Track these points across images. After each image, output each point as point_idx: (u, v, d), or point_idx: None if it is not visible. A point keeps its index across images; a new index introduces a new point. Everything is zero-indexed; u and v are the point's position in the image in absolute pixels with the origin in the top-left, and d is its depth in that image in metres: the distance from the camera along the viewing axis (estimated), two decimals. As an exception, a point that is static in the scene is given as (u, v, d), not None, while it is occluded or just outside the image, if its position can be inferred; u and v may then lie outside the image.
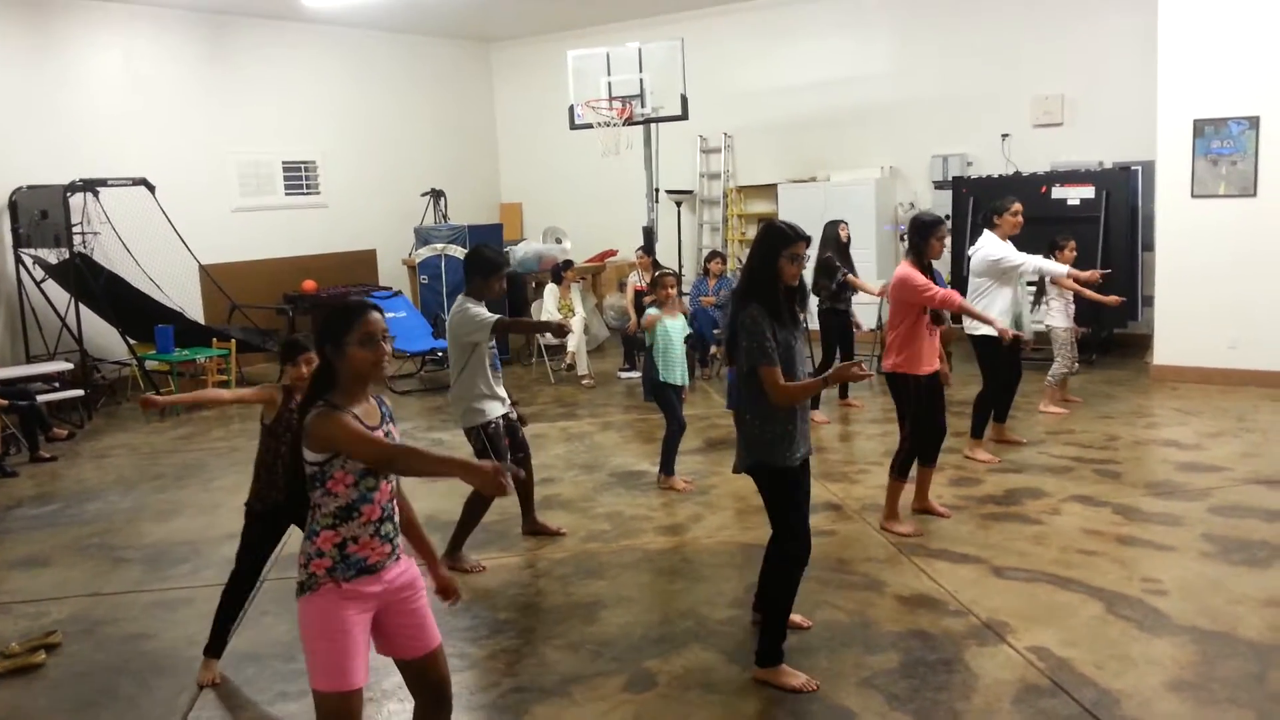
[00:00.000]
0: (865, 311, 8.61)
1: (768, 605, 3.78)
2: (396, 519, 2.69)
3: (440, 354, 10.08)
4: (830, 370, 3.76)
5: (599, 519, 5.70)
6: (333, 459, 2.55)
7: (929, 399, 5.19)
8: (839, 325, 8.02)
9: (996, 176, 10.19)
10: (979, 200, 9.66)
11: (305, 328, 10.64)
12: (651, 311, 6.16)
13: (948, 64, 10.94)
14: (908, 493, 5.35)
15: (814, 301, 8.29)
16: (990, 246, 6.25)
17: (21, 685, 4.03)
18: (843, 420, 7.87)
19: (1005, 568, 4.69)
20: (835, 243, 8.02)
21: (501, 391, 5.06)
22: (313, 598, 2.57)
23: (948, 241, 5.57)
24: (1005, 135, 10.57)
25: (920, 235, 5.20)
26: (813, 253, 4.20)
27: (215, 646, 4.02)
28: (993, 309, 6.09)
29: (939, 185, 10.87)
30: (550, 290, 10.29)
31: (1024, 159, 10.33)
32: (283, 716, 3.69)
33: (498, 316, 4.91)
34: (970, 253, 6.49)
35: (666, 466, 6.25)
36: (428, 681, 2.76)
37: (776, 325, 3.61)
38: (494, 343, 5.00)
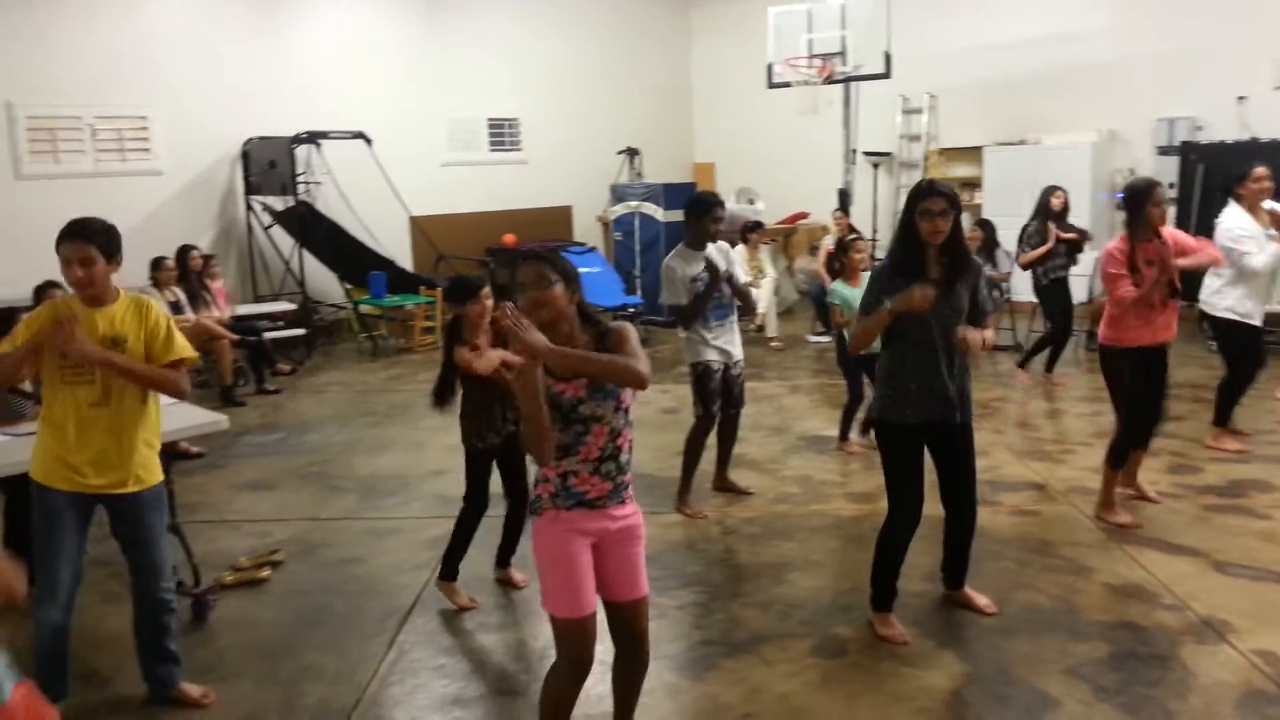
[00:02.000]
0: (1078, 285, 8.15)
1: (874, 556, 3.84)
2: (624, 459, 2.73)
3: (632, 309, 10.24)
4: (894, 301, 3.52)
5: (787, 481, 5.67)
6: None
7: (1146, 375, 4.77)
8: (1058, 294, 7.62)
9: (1231, 142, 9.39)
10: (1210, 169, 8.94)
11: (504, 279, 11.00)
12: (835, 302, 6.01)
13: (1176, 18, 10.10)
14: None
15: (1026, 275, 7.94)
16: (1230, 220, 5.66)
17: (250, 596, 4.38)
18: (1047, 397, 7.51)
19: (1228, 563, 4.37)
20: (1045, 210, 7.61)
21: (721, 342, 5.07)
22: (539, 523, 2.72)
23: (1170, 210, 5.09)
24: (1242, 98, 9.70)
25: (1134, 203, 4.69)
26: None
27: (448, 571, 4.27)
28: (1233, 290, 5.59)
29: (1163, 151, 10.10)
30: (738, 251, 10.23)
31: (1263, 124, 9.45)
32: (479, 647, 3.87)
33: (678, 304, 4.96)
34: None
35: (843, 432, 6.23)
36: (627, 629, 2.83)
37: (901, 282, 3.49)
38: (719, 296, 5.01)
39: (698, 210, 5.02)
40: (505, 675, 3.63)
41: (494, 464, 4.20)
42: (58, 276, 6.29)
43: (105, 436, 3.22)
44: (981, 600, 4.01)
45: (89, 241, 3.18)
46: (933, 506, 3.81)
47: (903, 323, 3.53)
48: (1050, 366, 7.85)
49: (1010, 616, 3.94)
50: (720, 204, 5.05)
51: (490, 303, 4.02)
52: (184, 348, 3.34)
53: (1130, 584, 4.20)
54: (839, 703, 3.36)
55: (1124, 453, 4.89)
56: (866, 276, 6.10)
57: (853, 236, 6.42)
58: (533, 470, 2.84)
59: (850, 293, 5.94)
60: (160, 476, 3.39)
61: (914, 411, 3.61)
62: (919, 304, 3.43)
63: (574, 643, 2.68)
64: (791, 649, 3.74)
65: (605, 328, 2.73)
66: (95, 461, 3.22)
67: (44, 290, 6.21)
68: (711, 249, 5.05)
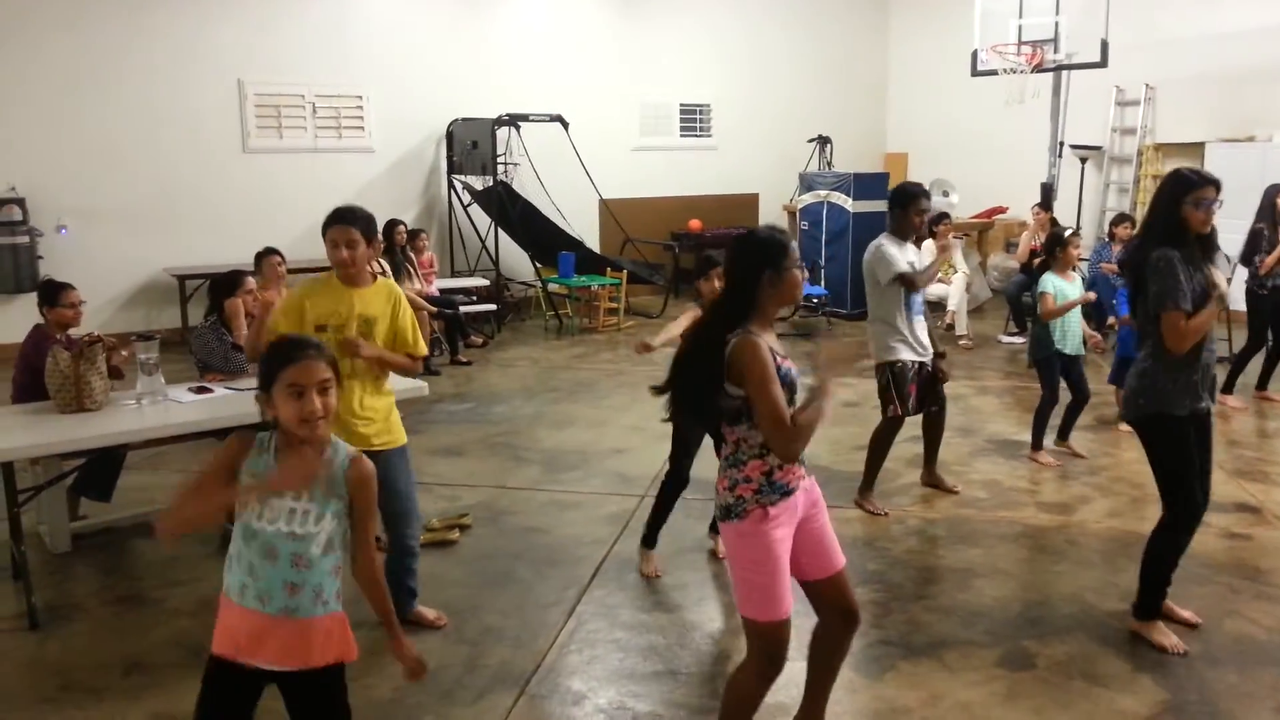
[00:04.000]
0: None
1: (1144, 559, 3.68)
2: None
3: (815, 300, 10.11)
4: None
5: (974, 485, 5.48)
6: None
7: None
8: (1269, 306, 7.06)
9: None
10: None
11: (688, 265, 11.08)
12: (1047, 292, 5.73)
13: None
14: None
15: (1242, 276, 7.39)
16: None
17: (440, 556, 4.59)
18: (1260, 414, 6.95)
19: None
20: (1272, 210, 7.05)
21: (918, 338, 4.99)
22: (740, 525, 2.61)
23: None
24: None
25: None
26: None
27: (649, 539, 4.43)
28: None
29: None
30: (926, 245, 9.92)
31: None
32: (655, 625, 3.92)
33: (904, 271, 4.86)
34: None
35: (1036, 440, 5.93)
36: (834, 605, 2.81)
37: (1191, 269, 3.38)
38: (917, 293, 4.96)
39: (902, 200, 4.95)
40: (677, 656, 3.67)
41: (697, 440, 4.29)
42: (277, 244, 6.80)
43: (359, 400, 3.59)
44: (1185, 613, 3.80)
45: (354, 225, 3.52)
46: (1134, 520, 3.60)
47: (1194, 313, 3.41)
48: (1263, 383, 7.26)
49: (1217, 645, 3.68)
50: (925, 194, 4.97)
51: (719, 283, 4.07)
52: (421, 345, 3.76)
53: (1359, 623, 3.85)
54: (1026, 718, 3.23)
55: None
56: (1077, 276, 5.87)
57: (1070, 231, 6.15)
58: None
59: (1063, 284, 5.70)
60: (405, 437, 3.77)
61: (1195, 398, 3.50)
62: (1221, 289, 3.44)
63: (773, 645, 2.65)
64: (975, 657, 3.62)
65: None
66: (357, 426, 3.57)
67: (264, 257, 6.64)
68: (923, 248, 5.00)
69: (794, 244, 2.71)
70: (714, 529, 4.56)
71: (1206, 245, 3.49)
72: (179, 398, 4.41)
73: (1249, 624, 3.85)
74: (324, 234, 3.54)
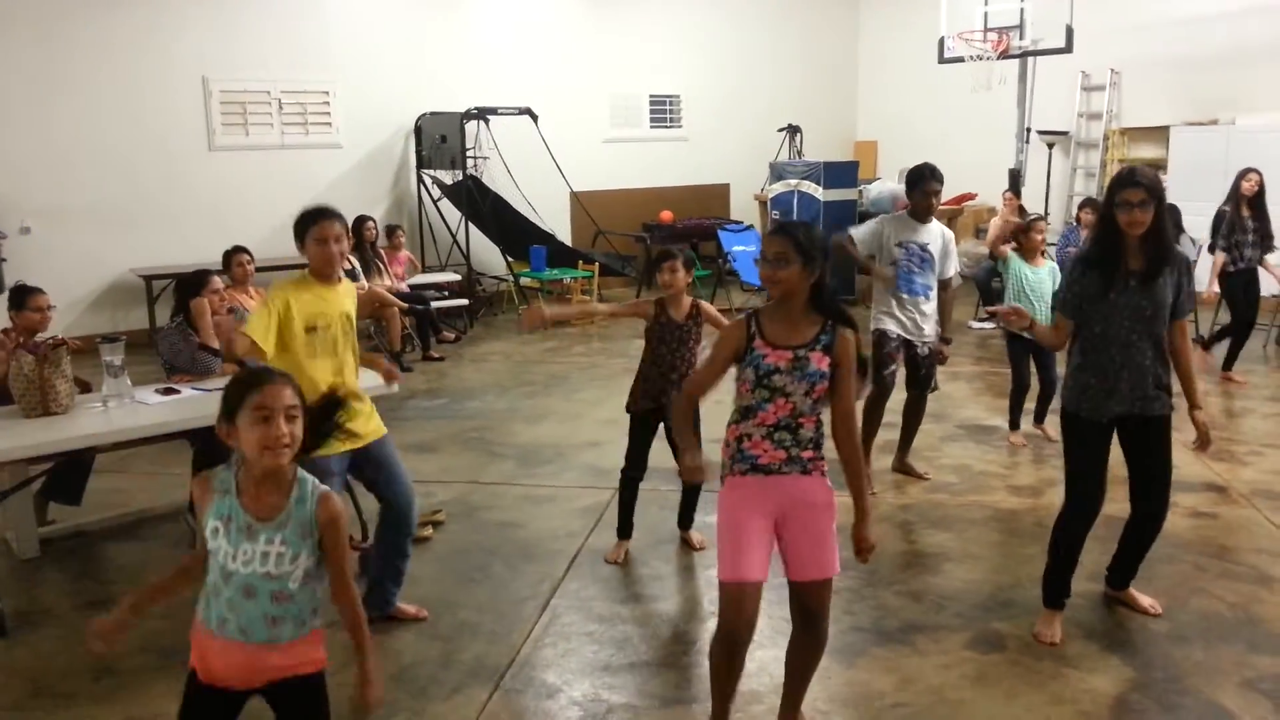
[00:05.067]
0: (1268, 277, 7.59)
1: (1049, 548, 3.75)
2: (804, 434, 2.74)
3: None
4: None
5: (945, 470, 5.53)
6: (739, 363, 2.73)
7: None
8: (1240, 284, 7.17)
9: None
10: None
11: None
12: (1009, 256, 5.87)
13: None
14: None
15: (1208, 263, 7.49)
16: None
17: (414, 553, 4.50)
18: (1226, 395, 7.05)
19: None
20: (1236, 195, 7.15)
21: (904, 315, 5.06)
22: (722, 490, 2.80)
23: None
24: None
25: None
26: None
27: (623, 529, 4.48)
28: None
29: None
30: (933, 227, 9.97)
31: None
32: (629, 617, 3.93)
33: (861, 257, 5.03)
34: None
35: (1013, 423, 6.04)
36: (804, 609, 2.82)
37: (1099, 276, 3.39)
38: (909, 270, 5.02)
39: (912, 181, 5.05)
40: (652, 647, 3.68)
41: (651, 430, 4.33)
42: (245, 242, 6.74)
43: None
44: (1146, 601, 3.84)
45: (339, 220, 3.52)
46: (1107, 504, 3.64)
47: (1094, 319, 3.43)
48: (1228, 364, 7.37)
49: (1183, 623, 3.74)
50: (935, 175, 5.02)
51: (673, 275, 4.14)
52: None
53: (1321, 598, 3.92)
54: (996, 700, 3.27)
55: None
56: (1048, 261, 5.93)
57: (1034, 216, 6.22)
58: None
59: (1026, 271, 5.76)
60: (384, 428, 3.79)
61: (1115, 405, 3.49)
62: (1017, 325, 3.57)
63: (727, 608, 2.71)
64: (946, 641, 3.65)
65: (834, 329, 2.73)
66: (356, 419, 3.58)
67: (232, 255, 6.58)
68: (938, 231, 5.09)
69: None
70: (682, 523, 4.59)
71: (1155, 251, 3.36)
72: (146, 399, 4.38)
73: (1214, 601, 3.92)
74: (305, 232, 3.47)
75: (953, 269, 5.13)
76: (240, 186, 9.68)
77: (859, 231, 5.18)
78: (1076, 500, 3.61)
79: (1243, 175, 7.21)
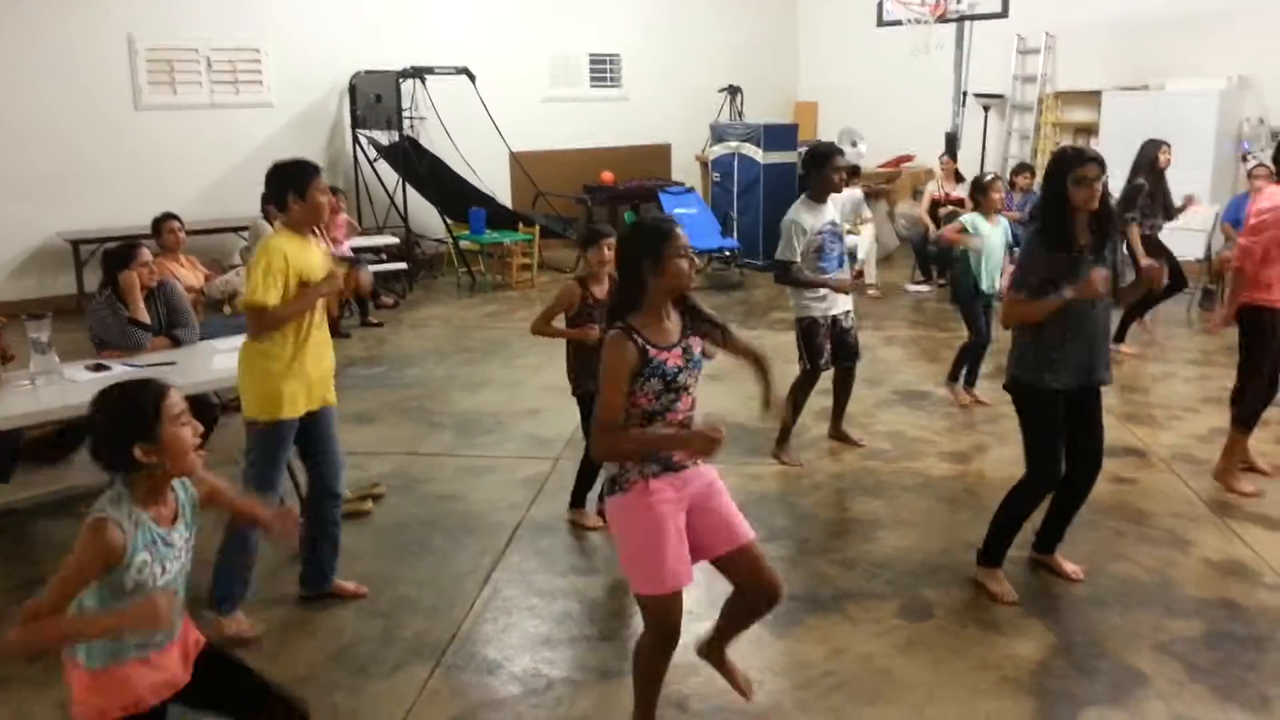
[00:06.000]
0: (1192, 240, 7.81)
1: (998, 509, 3.86)
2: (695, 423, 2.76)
3: (729, 253, 10.19)
4: (1075, 289, 3.49)
5: (879, 437, 5.64)
6: (637, 378, 2.61)
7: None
8: (1160, 255, 7.32)
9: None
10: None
11: (601, 217, 11.05)
12: (965, 224, 5.98)
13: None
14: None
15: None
16: None
17: (353, 529, 4.53)
18: (1155, 360, 7.26)
19: (1339, 545, 4.23)
20: (1149, 168, 7.26)
21: (829, 292, 5.08)
22: (624, 499, 2.69)
23: None
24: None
25: None
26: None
27: (577, 499, 4.57)
28: None
29: (1299, 99, 9.53)
30: (842, 197, 10.05)
31: None
32: (570, 590, 3.98)
33: (789, 263, 4.97)
34: None
35: (953, 375, 6.21)
36: (751, 582, 2.84)
37: (1063, 257, 3.48)
38: (835, 247, 5.05)
39: (817, 160, 5.01)
40: (594, 620, 3.74)
41: None
42: (174, 204, 6.57)
43: (327, 351, 3.74)
44: (1070, 567, 3.98)
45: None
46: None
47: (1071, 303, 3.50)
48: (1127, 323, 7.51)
49: (1103, 588, 3.89)
50: (839, 153, 5.06)
51: (610, 253, 4.11)
52: None
53: (1231, 560, 4.10)
54: (924, 667, 3.38)
55: (1254, 416, 4.72)
56: (1001, 219, 6.04)
57: (991, 175, 6.31)
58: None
59: (985, 226, 5.92)
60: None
61: (1072, 376, 3.59)
62: (1098, 291, 3.44)
63: (664, 618, 2.72)
64: (877, 609, 3.76)
65: (684, 309, 2.76)
66: (325, 378, 3.69)
67: (162, 222, 6.43)
68: (833, 200, 5.12)
69: (679, 231, 2.68)
70: (576, 502, 4.62)
71: (1101, 224, 3.52)
72: (75, 376, 4.28)
73: (1133, 566, 4.08)
74: (304, 184, 3.46)
75: (866, 213, 5.22)
76: (170, 147, 9.40)
77: (786, 248, 4.96)
78: (1041, 471, 3.71)
79: (1157, 148, 7.26)
